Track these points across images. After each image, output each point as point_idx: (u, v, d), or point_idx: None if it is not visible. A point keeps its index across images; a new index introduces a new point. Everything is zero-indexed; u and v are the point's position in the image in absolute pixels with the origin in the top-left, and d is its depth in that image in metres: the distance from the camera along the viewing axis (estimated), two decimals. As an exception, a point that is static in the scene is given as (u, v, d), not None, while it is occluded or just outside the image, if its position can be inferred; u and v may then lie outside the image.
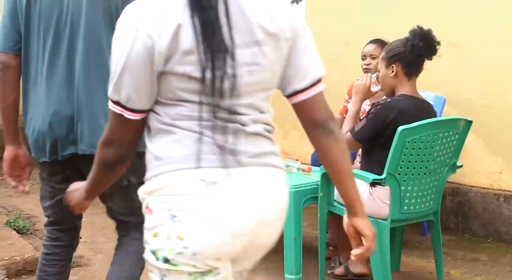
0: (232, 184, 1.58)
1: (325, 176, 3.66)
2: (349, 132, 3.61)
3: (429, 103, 3.75)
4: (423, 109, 3.61)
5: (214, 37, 1.56)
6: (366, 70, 4.73)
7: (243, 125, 1.64)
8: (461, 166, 3.74)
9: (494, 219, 4.93)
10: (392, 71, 3.61)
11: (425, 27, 5.23)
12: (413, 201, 3.49)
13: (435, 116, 3.66)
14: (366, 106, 4.80)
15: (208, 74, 1.56)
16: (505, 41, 4.86)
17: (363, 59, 4.82)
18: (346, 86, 5.62)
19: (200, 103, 1.60)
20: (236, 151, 1.61)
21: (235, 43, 1.59)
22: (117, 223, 2.98)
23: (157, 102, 1.64)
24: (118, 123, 1.68)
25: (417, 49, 3.53)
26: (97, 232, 5.27)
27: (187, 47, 1.54)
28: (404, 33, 5.07)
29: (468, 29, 5.09)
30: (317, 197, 3.87)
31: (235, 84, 1.60)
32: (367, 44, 4.84)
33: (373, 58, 4.73)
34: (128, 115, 1.64)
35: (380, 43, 4.77)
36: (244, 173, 1.62)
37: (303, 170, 4.30)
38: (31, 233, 5.07)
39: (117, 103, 1.64)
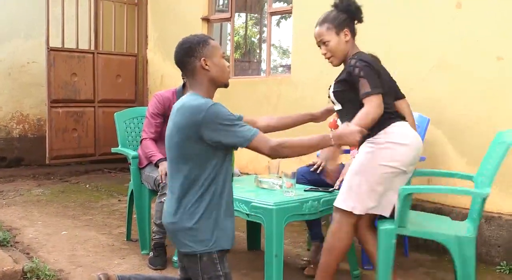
0: None
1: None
2: (368, 96, 3.55)
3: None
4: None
5: None
6: None
7: None
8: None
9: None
10: (346, 35, 3.79)
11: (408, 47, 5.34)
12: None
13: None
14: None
15: None
16: (492, 62, 4.90)
17: None
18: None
19: None
20: None
21: None
22: None
23: None
24: None
25: (359, 11, 3.84)
26: (78, 245, 5.23)
27: None
28: (391, 52, 5.13)
29: (454, 49, 5.13)
30: (299, 214, 3.87)
31: None
32: None
33: None
34: None
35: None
36: None
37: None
38: (11, 245, 5.03)
39: None
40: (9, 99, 9.64)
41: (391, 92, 3.82)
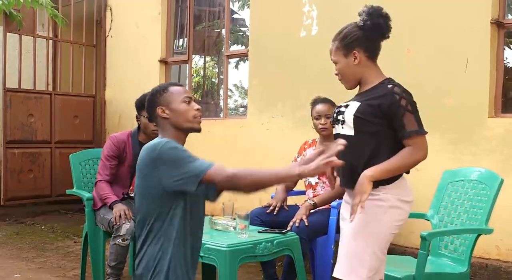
0: None
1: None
2: (417, 136, 3.08)
3: None
4: None
5: None
6: (323, 129, 4.79)
7: None
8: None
9: None
10: (355, 58, 3.21)
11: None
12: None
13: None
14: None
15: None
16: (439, 103, 5.05)
17: (317, 119, 4.83)
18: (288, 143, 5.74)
19: None
20: None
21: None
22: None
23: None
24: None
25: (378, 28, 3.20)
26: (31, 288, 5.17)
27: None
28: (346, 93, 5.25)
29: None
30: (252, 256, 3.90)
31: None
32: (317, 103, 4.87)
33: (328, 118, 4.77)
34: None
35: (330, 102, 4.86)
36: None
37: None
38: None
39: None
40: (-36, 139, 9.53)
41: None
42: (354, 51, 3.20)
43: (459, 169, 4.39)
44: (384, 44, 5.38)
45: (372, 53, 3.25)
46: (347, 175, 3.22)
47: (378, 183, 3.09)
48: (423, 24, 5.24)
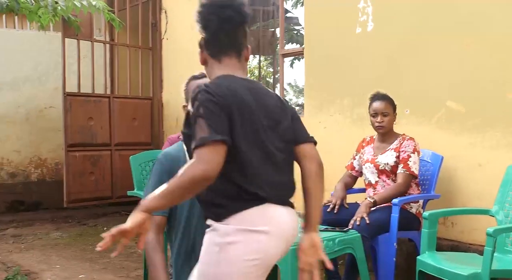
0: None
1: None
2: (201, 147, 2.29)
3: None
4: (254, 87, 2.64)
5: None
6: (380, 128, 4.79)
7: None
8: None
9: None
10: (200, 58, 2.80)
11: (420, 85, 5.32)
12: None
13: (274, 96, 2.74)
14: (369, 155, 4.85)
15: None
16: (501, 97, 4.95)
17: (373, 116, 4.84)
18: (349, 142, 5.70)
19: None
20: None
21: None
22: None
23: None
24: None
25: (207, 22, 2.72)
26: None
27: None
28: (402, 89, 5.17)
29: (464, 88, 5.18)
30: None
31: None
32: (374, 100, 4.86)
33: (385, 116, 4.79)
34: None
35: (388, 99, 4.83)
36: None
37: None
38: (29, 290, 5.07)
39: None
40: (27, 143, 9.79)
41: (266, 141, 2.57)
42: (200, 50, 2.78)
43: (524, 164, 4.30)
44: (442, 38, 5.33)
45: (212, 50, 2.72)
46: None
47: (215, 212, 2.49)
48: (481, 17, 5.12)
